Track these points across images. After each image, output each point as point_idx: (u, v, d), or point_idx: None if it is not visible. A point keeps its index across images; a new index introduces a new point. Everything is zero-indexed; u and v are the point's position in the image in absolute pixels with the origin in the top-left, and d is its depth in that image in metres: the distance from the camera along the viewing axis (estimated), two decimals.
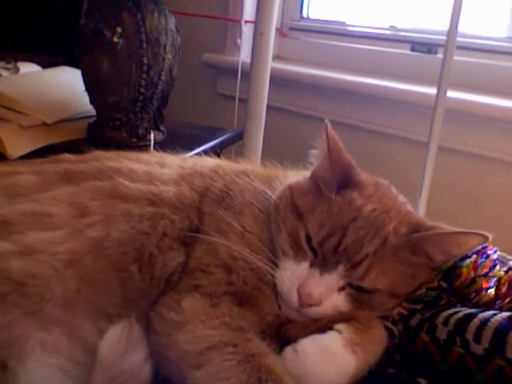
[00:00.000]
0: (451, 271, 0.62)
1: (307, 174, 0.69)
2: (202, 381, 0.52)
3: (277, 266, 0.61)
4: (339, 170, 0.63)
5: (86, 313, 0.56)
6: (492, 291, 0.63)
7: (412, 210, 0.69)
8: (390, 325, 0.61)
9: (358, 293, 0.60)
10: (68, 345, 0.54)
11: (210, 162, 0.76)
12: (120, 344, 0.53)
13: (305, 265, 0.60)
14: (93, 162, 0.70)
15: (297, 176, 0.70)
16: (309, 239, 0.60)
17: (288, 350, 0.55)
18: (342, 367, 0.54)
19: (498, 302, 0.62)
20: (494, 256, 0.66)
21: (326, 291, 0.59)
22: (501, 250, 0.72)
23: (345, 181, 0.63)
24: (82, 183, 0.65)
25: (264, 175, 0.73)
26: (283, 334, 0.60)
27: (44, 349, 0.52)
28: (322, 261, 0.59)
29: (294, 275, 0.60)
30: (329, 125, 0.63)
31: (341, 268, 0.59)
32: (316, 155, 0.67)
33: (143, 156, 0.75)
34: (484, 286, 0.63)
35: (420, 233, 0.61)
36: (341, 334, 0.56)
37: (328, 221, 0.60)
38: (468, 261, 0.63)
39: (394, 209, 0.64)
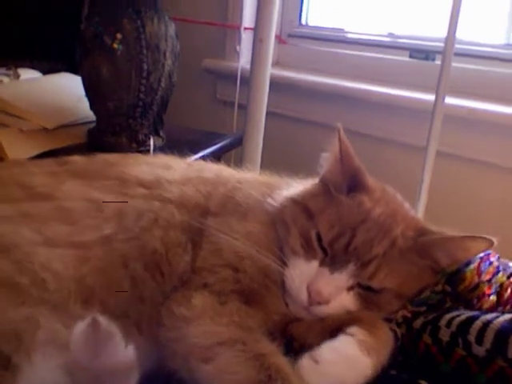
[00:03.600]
0: (455, 275, 0.63)
1: (311, 181, 0.71)
2: (210, 374, 0.52)
3: (285, 264, 0.62)
4: (349, 173, 0.65)
5: (99, 311, 0.57)
6: (494, 297, 0.63)
7: (417, 216, 0.70)
8: (393, 326, 0.61)
9: (366, 292, 0.61)
10: None
11: (214, 167, 0.77)
12: (89, 340, 0.51)
13: (315, 263, 0.61)
14: (100, 163, 0.71)
15: (300, 185, 0.71)
16: (319, 239, 0.61)
17: (306, 360, 0.54)
18: (360, 372, 0.54)
19: (500, 308, 0.63)
20: (497, 263, 0.67)
21: (335, 290, 0.59)
22: (500, 255, 0.72)
23: (354, 184, 0.65)
24: (93, 182, 0.66)
25: (265, 182, 0.74)
26: (288, 332, 0.60)
27: (55, 346, 0.52)
28: (332, 260, 0.60)
29: (303, 273, 0.60)
30: (341, 129, 0.65)
31: (350, 267, 0.60)
32: (327, 158, 0.68)
33: (149, 159, 0.76)
34: (487, 292, 0.63)
35: (427, 237, 0.62)
36: (354, 338, 0.56)
37: (338, 222, 0.61)
38: (472, 266, 0.64)
39: (401, 214, 0.66)
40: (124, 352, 0.51)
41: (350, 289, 0.60)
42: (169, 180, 0.69)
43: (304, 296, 0.59)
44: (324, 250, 0.61)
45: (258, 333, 0.56)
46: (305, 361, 0.54)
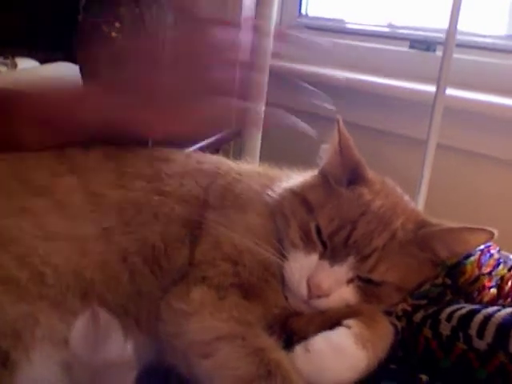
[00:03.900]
0: (455, 268, 0.63)
1: (310, 173, 0.71)
2: (210, 370, 0.52)
3: (285, 257, 0.62)
4: (349, 165, 0.65)
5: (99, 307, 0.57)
6: (494, 290, 0.63)
7: (417, 209, 0.70)
8: (394, 320, 0.61)
9: (366, 285, 0.60)
10: None
11: (213, 159, 0.77)
12: (90, 334, 0.52)
13: (314, 256, 0.60)
14: (99, 156, 0.70)
15: (300, 177, 0.71)
16: (319, 232, 0.61)
17: (299, 348, 0.55)
18: (354, 364, 0.54)
19: (501, 301, 0.62)
20: (497, 255, 0.67)
21: (335, 283, 0.59)
22: (500, 249, 0.72)
23: (354, 177, 0.65)
24: (92, 175, 0.66)
25: (265, 174, 0.73)
26: (288, 326, 0.60)
27: (53, 342, 0.52)
28: (332, 253, 0.60)
29: (303, 266, 0.60)
30: (341, 121, 0.65)
31: (350, 260, 0.59)
32: (326, 150, 0.68)
33: (148, 151, 0.76)
34: (487, 284, 0.63)
35: (426, 229, 0.62)
36: (350, 330, 0.56)
37: (338, 214, 0.61)
38: (472, 258, 0.64)
39: (401, 206, 0.66)
40: (123, 347, 0.52)
41: (349, 281, 0.60)
42: (168, 173, 0.68)
43: (304, 289, 0.59)
44: (324, 243, 0.61)
45: (258, 328, 0.56)
46: (298, 349, 0.55)
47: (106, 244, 0.59)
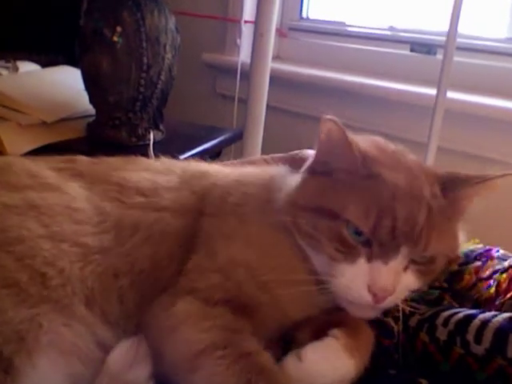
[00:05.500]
0: (454, 276, 0.63)
1: (297, 177, 0.64)
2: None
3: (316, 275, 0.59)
4: (354, 155, 0.59)
5: (99, 315, 0.57)
6: (493, 288, 0.63)
7: (424, 163, 0.68)
8: (391, 322, 0.61)
9: (420, 266, 0.58)
10: (83, 346, 0.55)
11: (213, 167, 0.75)
12: (128, 356, 0.55)
13: (361, 261, 0.56)
14: (104, 166, 0.70)
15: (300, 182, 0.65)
16: (357, 234, 0.56)
17: (290, 358, 0.55)
18: (343, 371, 0.55)
19: (499, 298, 0.62)
20: (496, 254, 0.67)
21: (396, 278, 0.56)
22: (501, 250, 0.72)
23: (361, 163, 0.59)
24: (95, 186, 0.66)
25: (262, 177, 0.70)
26: (289, 336, 0.60)
27: (59, 350, 0.53)
28: (381, 249, 0.55)
29: (356, 276, 0.56)
30: (333, 117, 0.59)
31: (404, 250, 0.55)
32: (318, 149, 0.63)
33: (151, 164, 0.74)
34: (485, 286, 0.63)
35: (454, 190, 0.60)
36: (338, 340, 0.56)
37: (371, 206, 0.56)
38: (471, 266, 0.63)
39: (415, 168, 0.62)
40: (148, 382, 0.55)
41: (405, 268, 0.57)
42: (166, 187, 0.67)
43: (368, 297, 0.56)
44: (365, 242, 0.56)
45: (243, 333, 0.55)
46: (289, 358, 0.54)
47: (103, 259, 0.59)
